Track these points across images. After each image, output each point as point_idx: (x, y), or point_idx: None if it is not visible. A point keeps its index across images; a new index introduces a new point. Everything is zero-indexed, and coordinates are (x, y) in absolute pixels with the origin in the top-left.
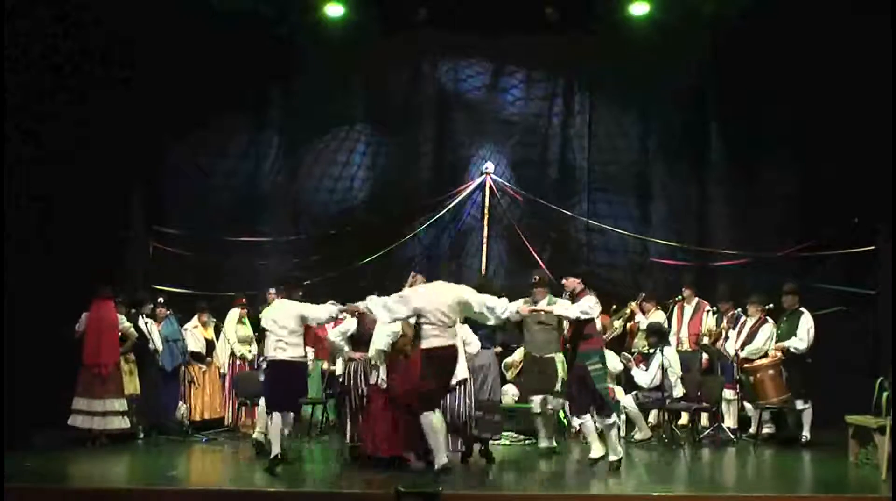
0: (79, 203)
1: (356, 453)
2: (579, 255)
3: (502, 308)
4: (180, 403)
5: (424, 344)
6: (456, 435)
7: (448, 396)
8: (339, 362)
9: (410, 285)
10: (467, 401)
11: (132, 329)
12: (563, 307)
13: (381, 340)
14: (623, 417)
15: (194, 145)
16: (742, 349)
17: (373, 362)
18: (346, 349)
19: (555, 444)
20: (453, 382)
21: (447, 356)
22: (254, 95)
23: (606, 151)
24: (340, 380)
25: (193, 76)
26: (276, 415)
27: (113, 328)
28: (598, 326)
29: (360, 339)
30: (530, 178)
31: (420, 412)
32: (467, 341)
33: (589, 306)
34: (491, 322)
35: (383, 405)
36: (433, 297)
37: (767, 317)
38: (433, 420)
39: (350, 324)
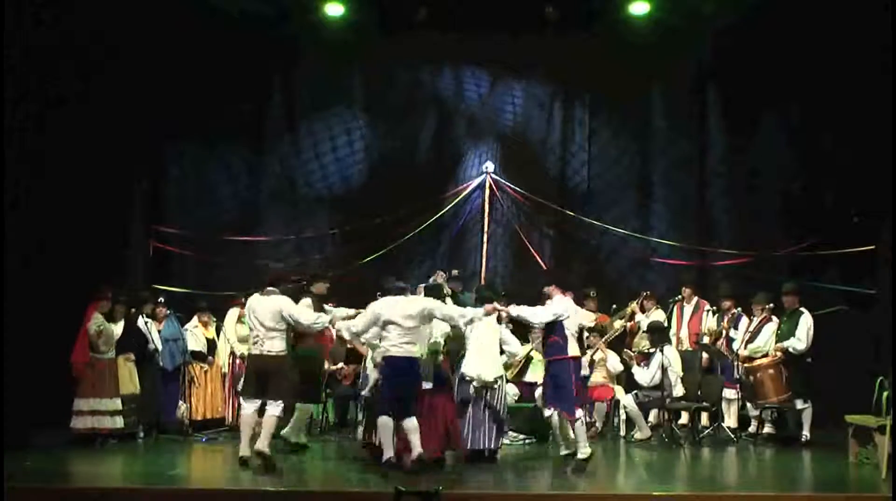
0: (79, 203)
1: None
2: (580, 255)
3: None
4: (180, 402)
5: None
6: (492, 430)
7: (488, 392)
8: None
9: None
10: (504, 399)
11: (104, 326)
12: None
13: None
14: (623, 416)
15: (194, 145)
16: (745, 347)
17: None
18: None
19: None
20: (489, 379)
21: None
22: (253, 95)
23: (607, 151)
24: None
25: (194, 76)
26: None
27: (84, 328)
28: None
29: None
30: (531, 176)
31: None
32: (506, 341)
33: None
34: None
35: (426, 409)
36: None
37: (773, 316)
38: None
39: None
